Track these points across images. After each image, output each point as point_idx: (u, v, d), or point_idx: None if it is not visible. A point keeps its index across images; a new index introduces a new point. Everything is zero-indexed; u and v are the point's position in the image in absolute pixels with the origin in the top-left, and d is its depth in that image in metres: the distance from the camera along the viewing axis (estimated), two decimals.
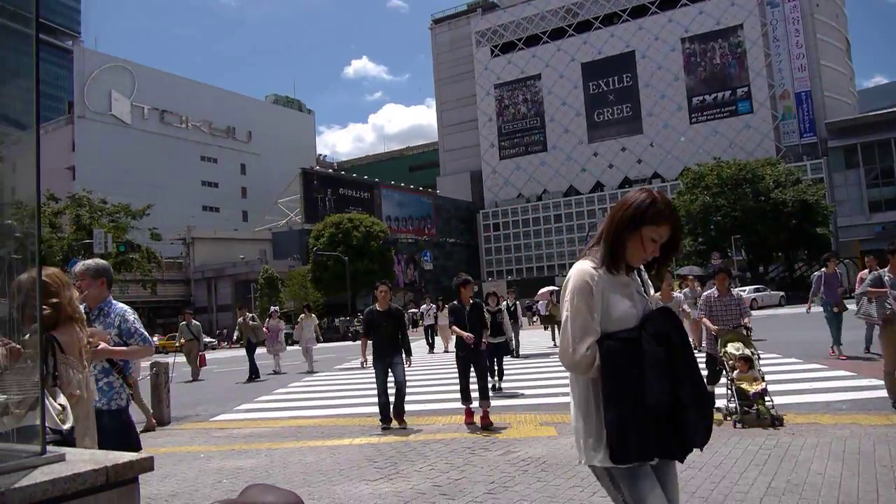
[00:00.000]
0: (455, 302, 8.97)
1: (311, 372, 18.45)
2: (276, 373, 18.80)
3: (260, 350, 18.88)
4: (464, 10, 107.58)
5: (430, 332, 24.35)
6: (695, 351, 8.17)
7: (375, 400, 11.10)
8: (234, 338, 24.97)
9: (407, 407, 10.15)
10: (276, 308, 22.04)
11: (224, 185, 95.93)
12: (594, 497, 4.94)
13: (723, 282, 8.31)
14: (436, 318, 23.39)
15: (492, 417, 8.39)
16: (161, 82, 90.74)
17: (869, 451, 5.64)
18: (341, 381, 16.03)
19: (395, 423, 8.72)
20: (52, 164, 70.58)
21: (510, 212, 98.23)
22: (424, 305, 25.18)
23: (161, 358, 12.60)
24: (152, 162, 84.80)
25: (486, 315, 9.80)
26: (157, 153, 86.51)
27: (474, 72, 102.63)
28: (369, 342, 9.20)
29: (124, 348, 4.17)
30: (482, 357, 8.93)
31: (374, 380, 8.74)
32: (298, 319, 20.15)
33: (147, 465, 1.86)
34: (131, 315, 4.31)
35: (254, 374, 17.66)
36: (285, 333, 22.34)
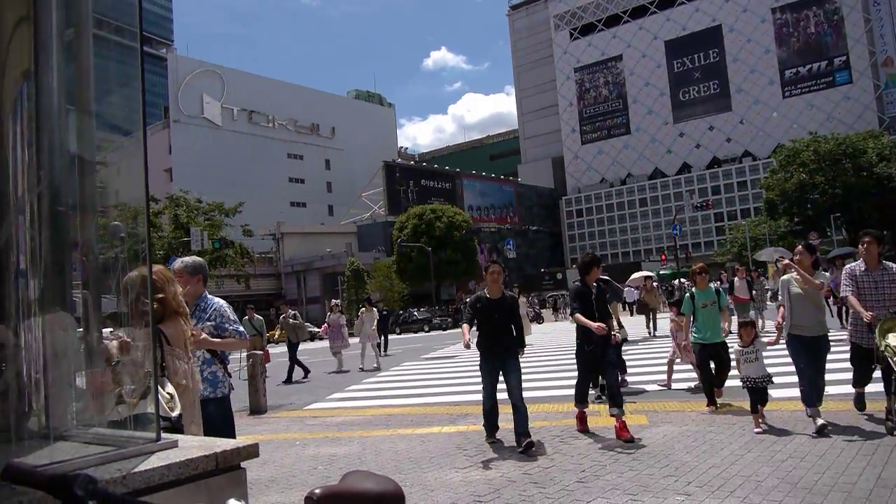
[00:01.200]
0: (578, 283, 7.41)
1: (370, 369, 16.95)
2: (338, 371, 17.20)
3: (308, 346, 17.75)
4: None
5: None
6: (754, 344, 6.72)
7: (462, 388, 11.16)
8: (276, 337, 23.24)
9: None
10: (337, 301, 20.19)
11: (310, 181, 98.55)
12: (689, 486, 4.82)
13: (871, 249, 6.27)
14: None
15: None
16: (248, 84, 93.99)
17: None
18: (428, 370, 16.24)
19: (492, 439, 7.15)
20: (152, 167, 73.19)
21: (593, 197, 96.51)
22: None
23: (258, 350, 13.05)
24: (242, 161, 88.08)
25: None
26: (247, 152, 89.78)
27: (553, 56, 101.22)
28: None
29: (221, 340, 4.36)
30: (611, 353, 7.37)
31: (480, 378, 7.08)
32: (359, 313, 18.48)
33: (253, 451, 1.95)
34: (227, 310, 4.49)
35: (290, 376, 15.84)
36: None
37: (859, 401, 6.70)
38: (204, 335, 4.20)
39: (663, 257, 58.93)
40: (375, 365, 17.62)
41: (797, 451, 5.51)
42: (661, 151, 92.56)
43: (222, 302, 4.53)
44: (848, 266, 6.45)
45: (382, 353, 19.61)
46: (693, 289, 8.49)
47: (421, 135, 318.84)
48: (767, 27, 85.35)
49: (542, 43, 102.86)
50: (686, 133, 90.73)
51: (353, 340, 18.64)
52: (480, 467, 5.98)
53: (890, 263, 6.41)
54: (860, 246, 6.37)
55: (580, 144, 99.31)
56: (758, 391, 6.65)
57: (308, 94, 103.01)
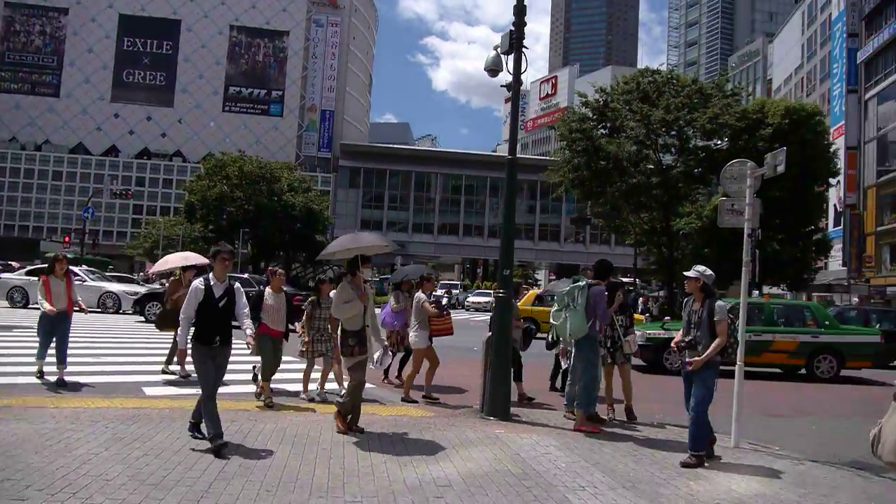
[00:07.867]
0: None
1: None
2: None
3: None
4: None
5: None
6: None
7: None
8: None
9: None
10: None
11: None
12: (28, 490, 4.08)
13: None
14: None
15: None
16: None
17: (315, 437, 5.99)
18: None
19: None
20: None
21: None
22: None
23: None
24: None
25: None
26: None
27: None
28: None
29: None
30: None
31: None
32: None
33: None
34: None
35: None
36: None
37: None
38: None
39: (67, 239, 54.19)
40: None
41: (154, 449, 5.30)
42: (91, 126, 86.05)
43: None
44: None
45: None
46: None
47: None
48: (223, 40, 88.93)
49: None
50: (122, 116, 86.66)
51: None
52: None
53: None
54: None
55: None
56: None
57: None
